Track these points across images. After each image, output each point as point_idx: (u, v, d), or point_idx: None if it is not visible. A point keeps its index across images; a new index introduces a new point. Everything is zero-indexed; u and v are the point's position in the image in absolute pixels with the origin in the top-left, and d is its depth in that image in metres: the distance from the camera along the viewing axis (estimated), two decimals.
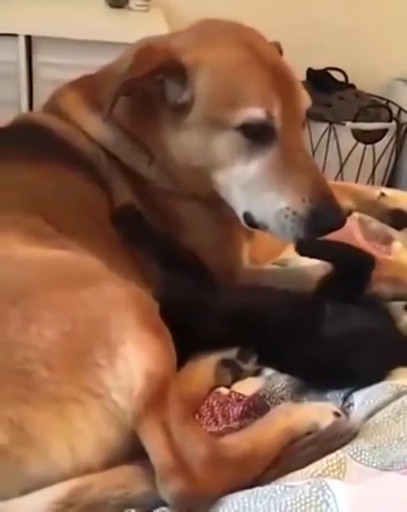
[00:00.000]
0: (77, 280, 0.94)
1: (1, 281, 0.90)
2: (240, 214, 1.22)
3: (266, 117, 1.14)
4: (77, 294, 0.91)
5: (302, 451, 0.93)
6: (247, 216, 1.21)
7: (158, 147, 1.24)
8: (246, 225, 1.23)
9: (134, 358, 0.88)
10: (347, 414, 1.02)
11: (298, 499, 0.76)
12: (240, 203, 1.21)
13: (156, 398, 0.87)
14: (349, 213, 1.61)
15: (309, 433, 0.96)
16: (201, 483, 0.85)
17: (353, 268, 1.15)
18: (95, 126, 1.27)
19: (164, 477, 0.85)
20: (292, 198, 1.15)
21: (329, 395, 1.07)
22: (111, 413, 0.86)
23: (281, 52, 1.34)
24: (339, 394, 1.06)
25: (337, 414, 0.99)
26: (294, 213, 1.14)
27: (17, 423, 0.82)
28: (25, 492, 0.83)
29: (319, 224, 1.14)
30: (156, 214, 1.26)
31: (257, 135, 1.15)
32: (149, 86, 1.17)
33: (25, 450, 0.82)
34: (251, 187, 1.18)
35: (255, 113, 1.14)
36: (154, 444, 0.87)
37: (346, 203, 1.62)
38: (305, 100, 1.22)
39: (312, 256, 1.21)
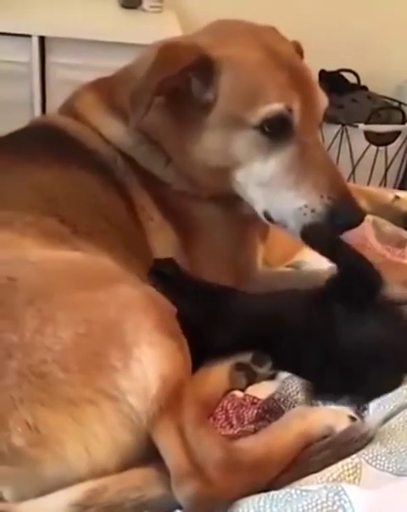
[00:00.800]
0: (94, 282, 0.94)
1: (18, 282, 0.91)
2: (260, 212, 1.22)
3: (286, 110, 1.14)
4: (93, 296, 0.91)
5: (317, 455, 0.92)
6: (266, 214, 1.21)
7: (176, 148, 1.24)
8: (267, 222, 1.23)
9: (149, 360, 0.88)
10: (362, 418, 1.02)
11: (314, 504, 0.76)
12: (259, 201, 1.22)
13: (171, 401, 0.87)
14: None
15: (324, 437, 0.96)
16: (216, 486, 0.85)
17: (358, 281, 1.13)
18: (112, 128, 1.27)
19: (179, 480, 0.85)
20: (310, 196, 1.15)
21: (344, 400, 1.06)
22: (126, 415, 0.86)
23: (301, 51, 1.34)
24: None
25: (352, 418, 0.98)
26: (313, 210, 1.14)
27: (33, 425, 0.82)
28: (42, 493, 0.83)
29: (337, 221, 1.14)
30: (172, 217, 1.26)
31: (275, 131, 1.15)
32: (180, 84, 1.17)
33: (40, 452, 0.82)
34: (270, 185, 1.18)
35: (275, 107, 1.14)
36: (169, 447, 0.87)
37: (362, 205, 1.62)
38: (323, 100, 1.22)
39: (314, 247, 1.18)
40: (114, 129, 1.27)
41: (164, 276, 1.17)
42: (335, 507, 0.75)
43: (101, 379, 0.86)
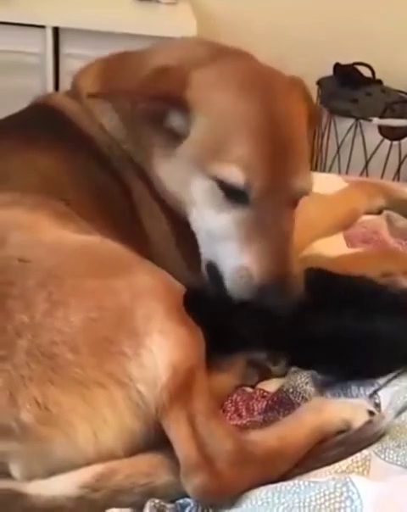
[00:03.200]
0: (108, 267, 0.94)
1: (30, 264, 0.91)
2: (203, 263, 1.16)
3: (244, 185, 1.07)
4: (107, 282, 0.91)
5: (330, 451, 0.91)
6: (209, 267, 1.14)
7: (150, 162, 1.20)
8: (206, 275, 1.15)
9: (160, 349, 0.88)
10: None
11: (322, 494, 0.76)
12: (206, 249, 1.15)
13: (181, 390, 0.87)
14: (380, 211, 1.61)
15: (340, 431, 0.94)
16: (225, 479, 0.85)
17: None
18: (107, 116, 1.25)
19: (188, 471, 0.85)
20: (250, 260, 1.08)
21: (354, 393, 1.06)
22: (135, 402, 0.87)
23: (306, 91, 1.24)
24: (364, 392, 1.05)
25: (371, 413, 0.97)
26: (250, 276, 1.07)
27: (42, 403, 0.83)
28: (50, 473, 0.84)
29: (265, 299, 1.06)
30: (167, 210, 1.23)
31: (231, 192, 1.09)
32: (154, 107, 1.14)
33: (49, 430, 0.83)
34: (217, 236, 1.12)
35: (234, 175, 1.07)
36: (179, 437, 0.87)
37: (377, 200, 1.61)
38: (301, 183, 1.12)
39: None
40: (109, 117, 1.25)
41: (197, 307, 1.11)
42: (343, 498, 0.75)
43: (111, 364, 0.86)
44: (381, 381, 1.06)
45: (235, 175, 1.07)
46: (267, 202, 1.09)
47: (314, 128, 1.30)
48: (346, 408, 0.98)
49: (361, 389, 1.06)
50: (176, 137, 1.13)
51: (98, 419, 0.85)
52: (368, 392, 1.05)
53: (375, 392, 1.05)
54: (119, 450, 0.87)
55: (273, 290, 1.06)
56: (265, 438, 0.91)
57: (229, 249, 1.10)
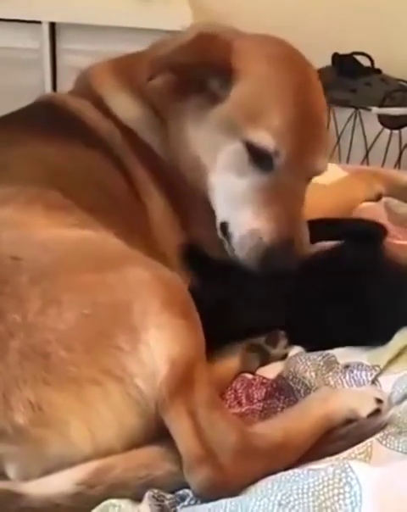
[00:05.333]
0: (103, 263, 0.93)
1: (23, 262, 0.90)
2: (218, 221, 1.23)
3: (273, 150, 1.15)
4: (101, 278, 0.90)
5: (334, 444, 0.90)
6: (223, 226, 1.22)
7: (175, 130, 1.24)
8: (220, 234, 1.23)
9: (157, 343, 0.86)
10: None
11: (320, 481, 0.75)
12: (221, 210, 1.22)
13: (181, 384, 0.86)
14: (379, 197, 1.62)
15: (347, 421, 0.92)
16: (229, 473, 0.83)
17: (363, 240, 1.19)
18: (119, 99, 1.28)
19: (191, 466, 0.84)
20: (265, 224, 1.16)
21: (356, 378, 1.05)
22: (133, 398, 0.85)
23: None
24: (367, 377, 1.04)
25: (378, 401, 0.94)
26: (260, 237, 1.16)
27: (36, 404, 0.81)
28: (46, 472, 0.83)
29: (271, 261, 1.15)
30: (168, 192, 1.26)
31: (258, 157, 1.16)
32: (199, 73, 1.18)
33: (44, 431, 0.82)
34: (236, 199, 1.19)
35: (266, 140, 1.14)
36: (181, 432, 0.85)
37: (376, 187, 1.62)
38: (320, 162, 1.21)
39: (320, 240, 1.23)
40: (121, 99, 1.28)
41: (194, 261, 1.19)
42: (341, 484, 0.74)
43: (106, 359, 0.85)
44: (382, 364, 1.05)
45: (266, 140, 1.14)
46: (288, 172, 1.16)
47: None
48: (353, 396, 0.96)
49: (363, 374, 1.05)
50: (212, 101, 1.18)
51: (95, 417, 0.84)
52: (370, 377, 1.04)
53: (375, 377, 1.04)
54: (117, 447, 0.85)
55: (280, 252, 1.14)
56: (270, 430, 0.90)
57: (244, 212, 1.18)
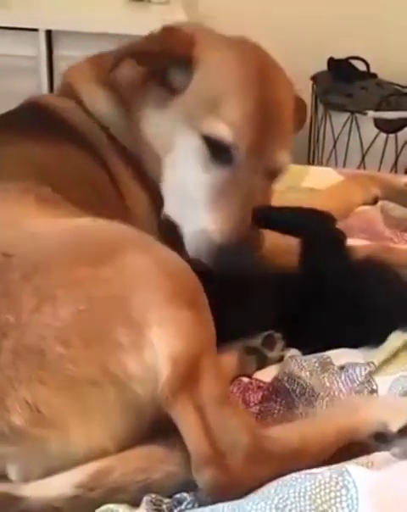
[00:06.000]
0: (99, 253, 0.89)
1: (14, 258, 0.87)
2: (162, 215, 1.22)
3: (232, 142, 1.14)
4: (97, 270, 0.86)
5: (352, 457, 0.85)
6: (166, 224, 1.21)
7: (137, 121, 1.24)
8: (160, 227, 1.22)
9: (159, 341, 0.83)
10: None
11: (317, 484, 0.75)
12: (170, 205, 1.22)
13: (186, 381, 0.83)
14: (376, 201, 1.62)
15: (376, 435, 0.87)
16: (237, 475, 0.81)
17: (323, 243, 1.17)
18: (97, 100, 1.29)
19: (199, 465, 0.82)
20: (213, 223, 1.14)
21: (350, 377, 1.05)
22: (132, 398, 0.83)
23: (299, 98, 1.32)
24: (360, 373, 1.05)
25: None
26: (210, 237, 1.14)
27: (33, 404, 0.80)
28: (48, 472, 0.82)
29: (224, 260, 1.13)
30: (151, 193, 1.26)
31: (216, 150, 1.15)
32: (160, 62, 1.19)
33: (42, 431, 0.81)
34: (189, 195, 1.18)
35: (224, 132, 1.14)
36: (188, 429, 0.83)
37: (372, 191, 1.63)
38: (282, 157, 1.20)
39: (272, 228, 1.19)
40: (98, 101, 1.29)
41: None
42: (338, 487, 0.74)
43: (106, 356, 0.82)
44: (376, 361, 1.06)
45: (224, 132, 1.13)
46: (248, 166, 1.15)
47: (298, 126, 1.36)
48: (386, 408, 0.91)
49: (358, 370, 1.05)
50: (172, 91, 1.19)
51: (92, 416, 0.82)
52: (364, 373, 1.04)
53: (370, 373, 1.04)
54: (111, 448, 0.84)
55: (231, 252, 1.11)
56: (286, 434, 0.86)
57: (196, 211, 1.16)
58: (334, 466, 0.80)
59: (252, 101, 1.15)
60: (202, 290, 0.91)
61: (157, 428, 0.86)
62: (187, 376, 0.83)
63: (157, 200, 1.25)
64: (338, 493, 0.74)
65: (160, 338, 0.84)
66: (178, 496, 0.84)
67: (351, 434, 0.88)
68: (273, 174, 1.21)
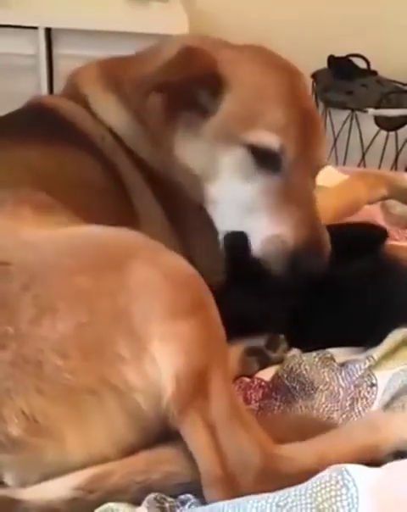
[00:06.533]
0: (100, 261, 0.86)
1: (12, 267, 0.85)
2: (221, 233, 1.19)
3: (279, 148, 1.13)
4: (99, 282, 0.84)
5: None
6: (227, 238, 1.18)
7: (168, 147, 1.22)
8: (222, 246, 1.19)
9: (161, 356, 0.81)
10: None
11: (317, 483, 0.75)
12: (229, 221, 1.18)
13: (193, 398, 0.81)
14: (383, 200, 1.62)
15: (397, 453, 0.83)
16: (247, 493, 0.78)
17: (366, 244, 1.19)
18: (106, 103, 1.27)
19: (209, 484, 0.80)
20: (284, 226, 1.13)
21: (350, 372, 1.06)
22: (131, 411, 0.82)
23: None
24: (360, 366, 1.05)
25: None
26: (283, 241, 1.12)
27: (29, 414, 0.79)
28: (44, 479, 0.82)
29: (299, 264, 1.11)
30: (162, 199, 1.24)
31: (264, 158, 1.14)
32: (187, 88, 1.16)
33: (39, 440, 0.80)
34: (247, 207, 1.16)
35: (269, 139, 1.13)
36: (199, 449, 0.81)
37: (379, 190, 1.62)
38: (324, 158, 1.22)
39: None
40: (108, 104, 1.27)
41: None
42: (338, 486, 0.74)
43: (105, 368, 0.81)
44: (376, 355, 1.06)
45: (270, 138, 1.13)
46: (297, 169, 1.15)
47: None
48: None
49: (357, 365, 1.05)
50: (204, 115, 1.17)
51: (89, 426, 0.81)
52: (364, 366, 1.04)
53: (370, 368, 1.05)
54: (112, 457, 0.82)
55: (308, 254, 1.11)
56: (301, 454, 0.82)
57: (260, 218, 1.14)
58: (333, 466, 0.79)
59: (288, 105, 1.15)
60: (210, 296, 0.88)
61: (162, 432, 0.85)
62: (194, 392, 0.82)
63: (178, 207, 1.24)
64: (339, 492, 0.74)
65: (162, 354, 0.82)
66: (182, 497, 0.83)
67: (371, 453, 0.84)
68: (316, 172, 1.22)
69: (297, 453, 0.83)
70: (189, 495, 0.83)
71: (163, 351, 0.81)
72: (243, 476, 0.80)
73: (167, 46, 1.26)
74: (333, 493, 0.74)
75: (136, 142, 1.25)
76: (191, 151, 1.19)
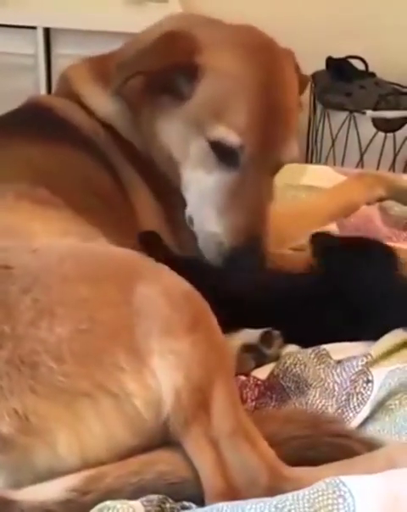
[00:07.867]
0: (106, 274, 0.87)
1: (14, 270, 0.86)
2: (187, 214, 1.25)
3: (238, 147, 1.15)
4: (103, 292, 0.84)
5: None
6: (190, 219, 1.25)
7: (148, 126, 1.25)
8: (189, 225, 1.25)
9: (161, 370, 0.82)
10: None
11: (315, 490, 0.76)
12: (190, 205, 1.24)
13: (195, 413, 0.81)
14: (380, 201, 1.63)
15: None
16: None
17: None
18: (97, 96, 1.30)
19: (212, 498, 0.80)
20: (224, 228, 1.17)
21: (346, 369, 1.06)
22: (128, 417, 0.82)
23: (295, 60, 1.33)
24: (357, 363, 1.05)
25: None
26: (221, 243, 1.18)
27: (22, 413, 0.79)
28: (36, 481, 0.81)
29: (234, 265, 1.16)
30: (157, 190, 1.27)
31: (223, 155, 1.17)
32: (166, 72, 1.19)
33: (30, 440, 0.79)
34: (204, 197, 1.20)
35: (230, 137, 1.15)
36: (203, 465, 0.81)
37: (377, 190, 1.63)
38: (289, 151, 1.22)
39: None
40: (99, 97, 1.30)
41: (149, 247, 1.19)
42: (335, 495, 0.74)
43: (102, 375, 0.81)
44: (374, 353, 1.07)
45: (230, 137, 1.15)
46: (254, 167, 1.17)
47: (302, 93, 1.38)
48: None
49: (354, 362, 1.06)
50: (179, 99, 1.20)
51: (83, 429, 0.80)
52: (361, 363, 1.05)
53: (367, 364, 1.05)
54: (107, 461, 0.82)
55: (242, 257, 1.14)
56: (312, 477, 0.80)
57: (208, 212, 1.19)
58: (328, 479, 0.78)
59: (257, 102, 1.16)
60: (211, 315, 0.89)
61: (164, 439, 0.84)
62: (196, 407, 0.82)
63: (170, 199, 1.28)
64: (336, 501, 0.74)
65: (162, 368, 0.82)
66: (186, 504, 0.82)
67: None
68: (277, 169, 1.24)
69: (306, 476, 0.81)
70: (192, 504, 0.82)
71: (162, 366, 0.82)
72: (249, 492, 0.79)
73: (153, 28, 1.29)
74: (330, 501, 0.74)
75: (132, 132, 1.28)
76: (167, 132, 1.22)
